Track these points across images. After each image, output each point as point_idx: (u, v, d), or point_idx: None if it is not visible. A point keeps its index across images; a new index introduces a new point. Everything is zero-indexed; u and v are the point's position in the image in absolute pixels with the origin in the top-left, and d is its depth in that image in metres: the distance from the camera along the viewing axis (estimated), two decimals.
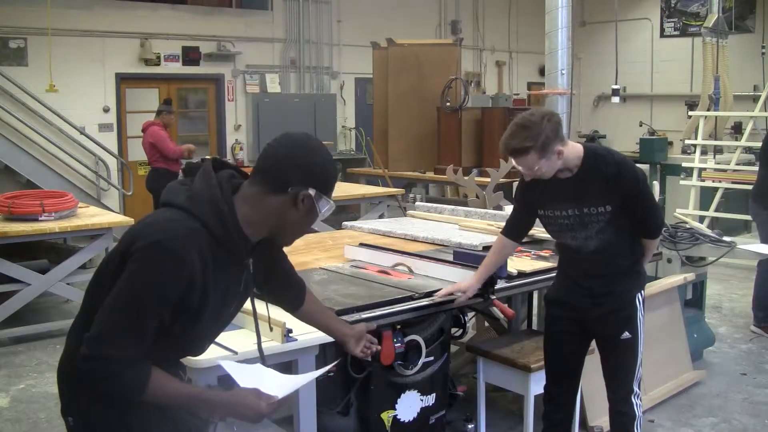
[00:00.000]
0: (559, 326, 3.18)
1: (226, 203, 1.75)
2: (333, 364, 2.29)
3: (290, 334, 2.76)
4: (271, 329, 2.52)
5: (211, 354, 2.23)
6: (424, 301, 3.17)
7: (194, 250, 1.69)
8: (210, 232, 1.73)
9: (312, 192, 1.78)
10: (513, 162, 2.86)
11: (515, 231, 3.23)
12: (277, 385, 1.87)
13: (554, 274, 3.58)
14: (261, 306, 3.17)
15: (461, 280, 3.26)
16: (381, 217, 7.12)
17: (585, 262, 3.02)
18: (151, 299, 1.68)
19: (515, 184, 6.27)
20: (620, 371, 3.10)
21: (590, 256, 2.98)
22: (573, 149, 2.85)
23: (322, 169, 1.82)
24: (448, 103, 8.84)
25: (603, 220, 2.88)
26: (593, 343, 3.25)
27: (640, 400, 3.16)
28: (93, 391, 1.76)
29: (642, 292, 3.09)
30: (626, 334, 3.02)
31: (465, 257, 3.70)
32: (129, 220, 5.76)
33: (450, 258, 3.80)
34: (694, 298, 5.14)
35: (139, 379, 1.70)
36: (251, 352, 2.52)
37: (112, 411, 1.80)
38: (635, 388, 3.11)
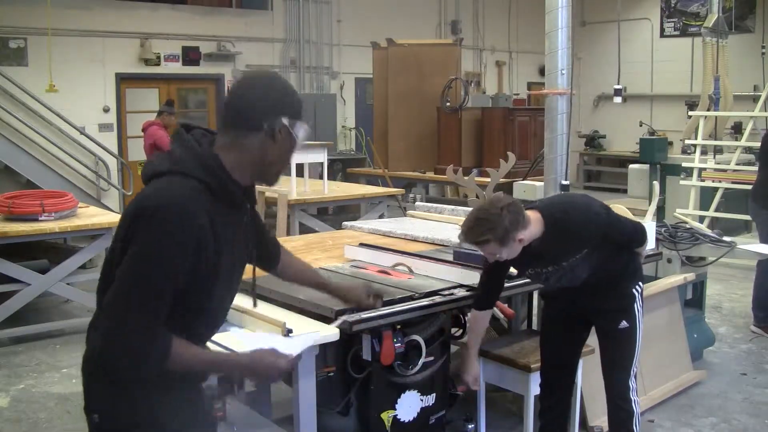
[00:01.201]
0: (557, 317, 3.25)
1: (210, 156, 1.79)
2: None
3: (290, 334, 2.76)
4: None
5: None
6: (424, 301, 3.17)
7: (198, 206, 1.71)
8: (206, 186, 1.75)
9: (286, 121, 1.81)
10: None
11: (487, 300, 3.24)
12: (286, 345, 1.96)
13: None
14: (261, 306, 3.17)
15: (467, 371, 3.33)
16: (381, 217, 7.12)
17: (572, 292, 3.08)
18: (165, 265, 1.68)
19: (515, 185, 6.28)
20: (620, 360, 3.14)
21: (581, 284, 3.03)
22: (534, 224, 2.82)
23: (289, 97, 1.86)
24: (448, 103, 8.84)
25: (581, 262, 2.93)
26: (591, 343, 3.26)
27: (638, 396, 3.20)
28: (120, 385, 1.76)
29: (639, 284, 3.15)
30: (624, 324, 3.09)
31: (465, 257, 3.70)
32: None
33: (450, 258, 3.80)
34: (694, 298, 5.14)
35: (162, 348, 1.70)
36: None
37: (140, 405, 1.79)
38: (632, 384, 3.15)
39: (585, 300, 3.12)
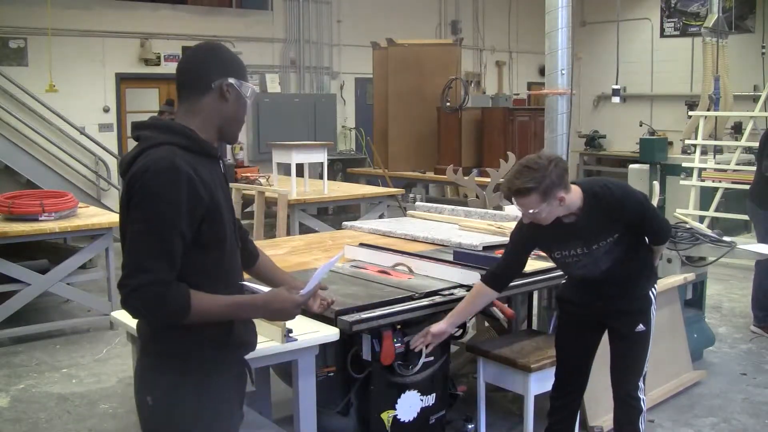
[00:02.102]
0: (572, 321, 3.21)
1: (174, 124, 1.96)
2: (338, 255, 2.35)
3: (290, 334, 2.76)
4: None
5: None
6: (424, 301, 3.17)
7: (180, 160, 1.85)
8: (180, 146, 1.89)
9: (232, 80, 1.98)
10: (514, 203, 2.82)
11: (499, 279, 3.08)
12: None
13: (554, 274, 3.61)
14: None
15: (432, 327, 3.11)
16: (381, 217, 7.12)
17: (596, 283, 3.05)
18: (167, 217, 1.81)
19: None
20: (633, 363, 3.13)
21: (600, 276, 3.01)
22: (574, 194, 2.80)
23: (232, 60, 2.03)
24: (448, 103, 8.85)
25: (611, 247, 2.91)
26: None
27: (645, 395, 3.20)
28: (175, 372, 1.93)
29: (655, 288, 3.14)
30: (641, 327, 3.06)
31: (465, 257, 3.70)
32: None
33: (450, 258, 3.80)
34: (694, 298, 5.14)
35: (181, 297, 1.83)
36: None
37: (190, 390, 1.94)
38: (641, 384, 3.15)
39: (602, 300, 3.07)
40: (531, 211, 2.75)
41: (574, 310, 3.19)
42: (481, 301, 3.13)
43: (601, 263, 2.95)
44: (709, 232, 5.13)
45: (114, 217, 5.87)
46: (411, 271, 3.61)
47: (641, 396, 3.15)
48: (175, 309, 1.83)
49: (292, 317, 2.05)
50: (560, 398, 3.30)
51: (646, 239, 3.08)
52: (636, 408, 3.14)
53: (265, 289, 2.09)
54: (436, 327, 3.12)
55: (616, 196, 2.84)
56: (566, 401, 3.30)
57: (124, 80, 10.32)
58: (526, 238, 3.00)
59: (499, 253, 3.93)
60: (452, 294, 3.28)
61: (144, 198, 1.81)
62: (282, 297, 1.98)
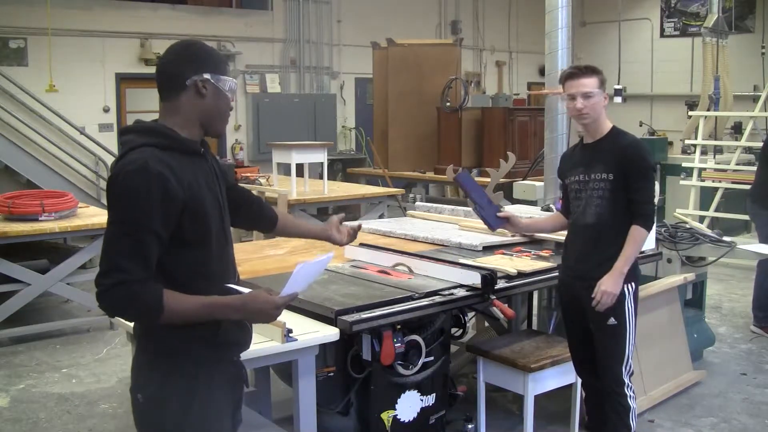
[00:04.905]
0: (566, 314, 3.40)
1: (155, 125, 1.98)
2: (329, 255, 2.20)
3: (290, 334, 2.76)
4: None
5: None
6: (424, 301, 3.17)
7: (152, 159, 1.86)
8: (159, 146, 1.90)
9: (207, 75, 1.97)
10: (569, 88, 3.16)
11: (566, 211, 3.43)
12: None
13: (554, 274, 3.63)
14: None
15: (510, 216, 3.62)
16: (381, 217, 7.11)
17: (579, 239, 3.22)
18: (137, 215, 1.83)
19: (515, 185, 6.28)
20: (606, 358, 3.20)
21: (583, 231, 3.18)
22: (606, 120, 3.20)
23: (207, 55, 2.01)
24: (448, 103, 8.84)
25: (603, 188, 3.10)
26: None
27: (634, 392, 3.24)
28: (162, 369, 1.94)
29: (632, 284, 3.18)
30: (612, 320, 3.14)
31: (468, 183, 3.70)
32: None
33: (450, 258, 3.79)
34: (694, 298, 5.14)
35: (154, 296, 1.84)
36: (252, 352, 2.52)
37: (179, 387, 1.95)
38: (626, 379, 3.19)
39: (581, 262, 3.22)
40: (588, 90, 3.10)
41: (565, 299, 3.37)
42: (554, 222, 3.63)
43: (589, 210, 3.14)
44: (709, 232, 5.13)
45: None
46: (411, 271, 3.61)
47: (627, 392, 3.19)
48: (147, 308, 1.84)
49: (272, 319, 1.98)
50: (584, 387, 3.51)
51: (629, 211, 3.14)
52: (622, 405, 3.19)
53: (248, 290, 2.05)
54: (517, 218, 3.61)
55: (630, 139, 3.18)
56: (590, 391, 3.44)
57: (124, 80, 10.32)
58: (560, 168, 3.41)
59: (499, 253, 3.99)
60: (452, 294, 3.28)
61: (117, 200, 1.85)
62: (261, 298, 1.92)
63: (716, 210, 8.18)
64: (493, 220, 3.61)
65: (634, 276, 3.19)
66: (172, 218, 1.86)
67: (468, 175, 3.84)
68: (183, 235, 1.89)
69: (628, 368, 3.19)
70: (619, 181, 3.08)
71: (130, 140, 1.93)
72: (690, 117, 9.82)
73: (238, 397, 2.15)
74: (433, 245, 4.27)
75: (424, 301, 3.17)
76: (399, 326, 3.12)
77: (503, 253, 3.97)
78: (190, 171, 1.94)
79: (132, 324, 2.08)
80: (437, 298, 3.22)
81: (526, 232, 3.94)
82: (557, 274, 3.53)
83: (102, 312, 1.98)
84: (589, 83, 3.12)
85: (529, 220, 3.69)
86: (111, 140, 10.05)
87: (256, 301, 1.92)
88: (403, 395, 3.29)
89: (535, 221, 3.77)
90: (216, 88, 1.99)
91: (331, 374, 3.16)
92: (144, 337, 2.00)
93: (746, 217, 6.87)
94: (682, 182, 8.43)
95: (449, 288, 3.33)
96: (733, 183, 8.18)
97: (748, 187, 6.37)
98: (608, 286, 3.07)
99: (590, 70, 3.15)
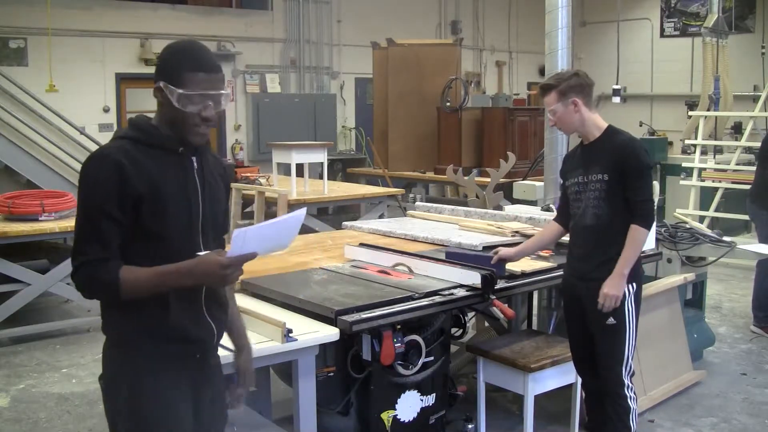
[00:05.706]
0: (568, 314, 3.39)
1: (140, 119, 2.06)
2: (296, 214, 2.07)
3: (290, 334, 2.76)
4: None
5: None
6: (424, 301, 3.17)
7: (115, 150, 1.95)
8: (132, 139, 1.99)
9: (161, 84, 1.99)
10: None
11: (561, 215, 3.41)
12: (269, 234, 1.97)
13: (554, 274, 3.63)
14: (260, 306, 3.17)
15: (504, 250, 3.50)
16: (381, 217, 7.11)
17: (580, 240, 3.22)
18: (94, 200, 1.93)
19: (515, 185, 6.28)
20: (606, 358, 3.19)
21: (584, 232, 3.18)
22: (596, 121, 3.20)
23: (172, 65, 2.00)
24: (448, 103, 8.84)
25: (600, 189, 3.09)
26: None
27: (635, 393, 3.23)
28: (116, 355, 2.03)
29: (634, 284, 3.16)
30: (611, 320, 3.13)
31: (457, 257, 3.69)
32: None
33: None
34: (694, 298, 5.14)
35: (111, 273, 1.91)
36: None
37: (129, 373, 2.01)
38: (626, 380, 3.18)
39: (582, 261, 3.22)
40: (549, 108, 3.16)
41: (566, 299, 3.36)
42: (547, 237, 3.52)
43: (588, 211, 3.14)
44: (709, 232, 5.13)
45: None
46: (411, 271, 3.61)
47: (628, 393, 3.18)
48: (105, 284, 1.92)
49: (224, 282, 1.94)
50: (583, 387, 3.53)
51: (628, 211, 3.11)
52: (622, 405, 3.18)
53: None
54: (505, 250, 3.47)
55: (625, 138, 3.16)
56: (588, 392, 3.45)
57: (124, 80, 10.32)
58: (561, 171, 3.40)
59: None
60: (452, 294, 3.28)
61: (79, 186, 1.97)
62: (208, 259, 1.90)
63: (716, 210, 8.18)
64: (497, 268, 3.46)
65: (636, 277, 3.18)
66: (128, 206, 1.93)
67: (453, 250, 3.89)
68: (142, 223, 1.95)
69: (628, 369, 3.18)
70: (614, 180, 3.08)
71: (115, 132, 2.06)
72: (690, 117, 9.82)
73: (207, 396, 2.12)
74: (433, 245, 4.27)
75: (424, 301, 3.17)
76: (399, 326, 3.12)
77: None
78: (158, 166, 1.98)
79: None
80: (437, 298, 3.22)
81: (519, 258, 3.60)
82: (557, 274, 3.54)
83: None
84: (548, 101, 3.19)
85: (517, 247, 3.54)
86: None
87: (204, 262, 1.91)
88: (403, 395, 3.29)
89: (524, 245, 3.59)
90: (167, 98, 1.99)
91: (331, 374, 3.16)
92: (102, 328, 2.08)
93: (746, 217, 6.87)
94: (682, 182, 8.43)
95: (449, 288, 3.33)
96: (733, 183, 8.18)
97: (748, 187, 6.37)
98: (610, 289, 3.07)
99: (547, 88, 3.20)
